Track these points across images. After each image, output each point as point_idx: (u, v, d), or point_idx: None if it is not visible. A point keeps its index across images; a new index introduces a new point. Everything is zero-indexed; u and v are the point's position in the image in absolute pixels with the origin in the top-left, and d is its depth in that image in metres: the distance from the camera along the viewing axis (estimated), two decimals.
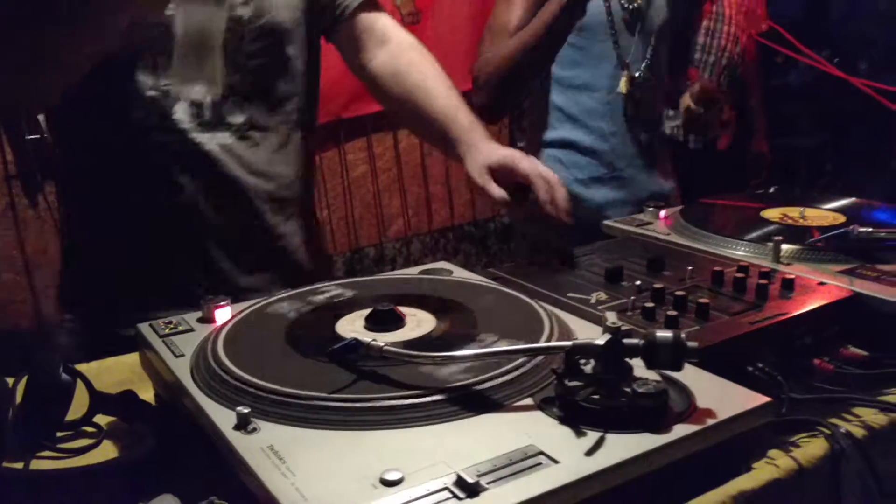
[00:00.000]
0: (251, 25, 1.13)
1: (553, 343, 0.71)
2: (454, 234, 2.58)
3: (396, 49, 1.29)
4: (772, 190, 1.36)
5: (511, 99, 1.53)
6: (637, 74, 1.60)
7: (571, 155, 1.63)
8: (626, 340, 0.65)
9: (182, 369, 0.73)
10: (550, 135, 1.65)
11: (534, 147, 1.67)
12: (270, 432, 0.62)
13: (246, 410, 0.63)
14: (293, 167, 1.24)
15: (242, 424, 0.62)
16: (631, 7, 1.57)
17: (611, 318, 0.67)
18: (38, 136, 1.77)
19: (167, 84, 1.08)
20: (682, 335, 0.65)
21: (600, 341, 0.64)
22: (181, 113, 1.10)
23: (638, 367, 0.65)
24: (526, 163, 1.09)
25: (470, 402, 0.65)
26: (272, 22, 1.15)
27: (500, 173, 1.10)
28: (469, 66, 2.45)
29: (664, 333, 0.65)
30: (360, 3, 1.27)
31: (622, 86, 1.61)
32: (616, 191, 1.66)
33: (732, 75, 2.38)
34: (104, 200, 1.15)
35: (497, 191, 1.09)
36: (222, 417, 0.64)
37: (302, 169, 1.26)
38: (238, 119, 1.15)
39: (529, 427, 0.62)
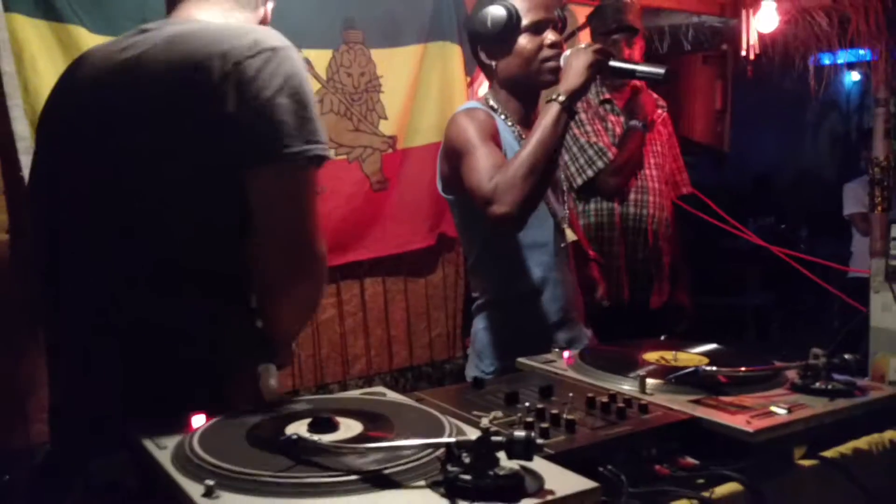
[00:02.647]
0: None
1: (438, 440, 0.95)
2: (413, 373, 2.83)
3: None
4: (662, 338, 1.64)
5: (538, 197, 1.66)
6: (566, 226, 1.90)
7: (535, 305, 1.86)
8: (493, 438, 0.90)
9: (164, 457, 0.97)
10: (508, 291, 1.87)
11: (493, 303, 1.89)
12: (229, 500, 0.85)
13: (211, 482, 0.86)
14: None
15: (208, 493, 0.85)
16: None
17: (484, 422, 0.93)
18: None
19: None
20: (532, 435, 0.90)
21: (473, 437, 0.90)
22: None
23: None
24: None
25: (378, 481, 0.89)
26: None
27: None
28: (428, 226, 2.81)
29: (520, 433, 0.90)
30: None
31: (570, 236, 1.90)
32: (572, 331, 1.91)
33: (664, 237, 2.73)
34: None
35: None
36: (193, 489, 0.87)
37: None
38: None
39: (418, 500, 0.86)
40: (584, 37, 3.27)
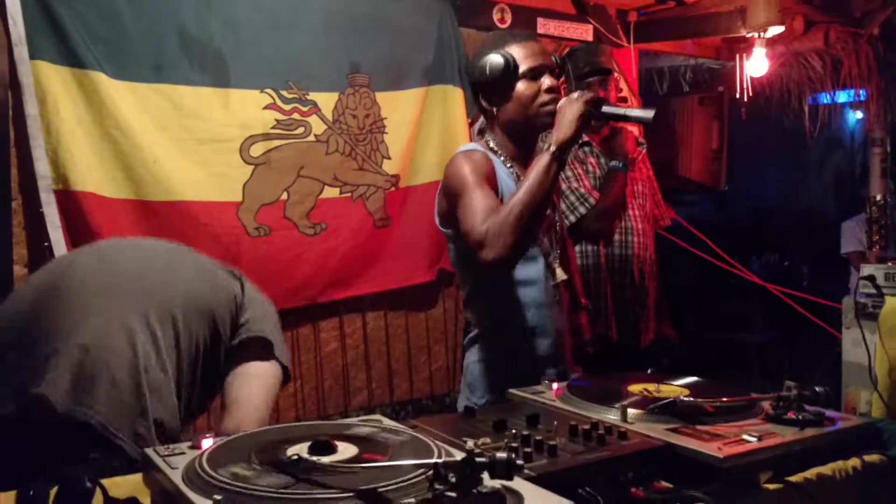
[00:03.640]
0: None
1: (427, 460, 1.03)
2: (413, 406, 2.90)
3: None
4: (649, 371, 1.72)
5: (528, 242, 1.75)
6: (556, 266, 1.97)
7: (526, 340, 1.93)
8: (477, 459, 0.98)
9: (176, 476, 1.05)
10: (499, 325, 1.94)
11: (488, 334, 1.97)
12: None
13: (219, 497, 0.94)
14: None
15: None
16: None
17: (469, 444, 1.01)
18: None
19: None
20: (513, 456, 0.98)
21: (459, 458, 0.98)
22: None
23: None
24: None
25: (371, 498, 0.97)
26: None
27: None
28: (428, 262, 2.90)
29: (502, 454, 0.98)
30: None
31: (560, 274, 1.98)
32: (560, 366, 1.98)
33: (650, 276, 2.81)
34: None
35: None
36: (203, 502, 0.96)
37: None
38: None
39: None
40: None
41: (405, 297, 2.91)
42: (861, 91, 4.53)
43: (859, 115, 7.91)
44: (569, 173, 2.70)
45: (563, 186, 2.67)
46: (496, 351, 1.94)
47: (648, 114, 1.78)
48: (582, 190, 2.67)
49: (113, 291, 1.56)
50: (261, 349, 1.66)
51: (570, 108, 1.74)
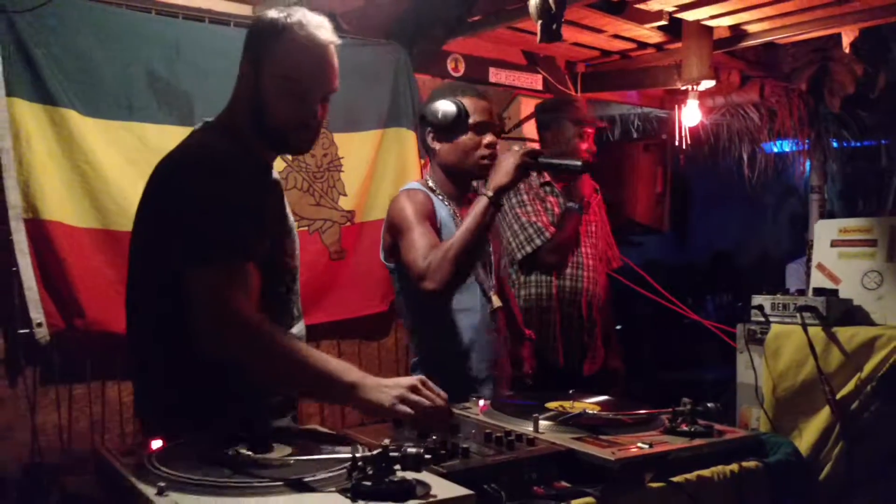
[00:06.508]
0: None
1: (346, 455, 1.18)
2: None
3: None
4: (571, 391, 1.88)
5: (464, 275, 1.92)
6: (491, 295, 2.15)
7: (464, 363, 2.10)
8: (390, 453, 1.13)
9: (127, 471, 1.19)
10: (439, 350, 2.12)
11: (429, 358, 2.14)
12: (177, 497, 1.07)
13: (163, 484, 1.09)
14: None
15: (160, 492, 1.08)
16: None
17: (385, 441, 1.16)
18: (28, 330, 2.26)
19: None
20: (421, 451, 1.14)
21: (374, 452, 1.13)
22: None
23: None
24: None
25: (297, 487, 1.12)
26: None
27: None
28: (381, 293, 3.04)
29: (411, 449, 1.14)
30: None
31: (496, 302, 2.15)
32: (496, 389, 2.14)
33: (598, 309, 3.00)
34: None
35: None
36: (149, 490, 1.10)
37: None
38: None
39: (329, 500, 1.09)
40: (528, 128, 3.62)
41: (358, 326, 3.06)
42: (799, 140, 4.84)
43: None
44: (529, 208, 2.90)
45: (523, 219, 2.87)
46: (436, 374, 2.08)
47: (577, 163, 2.05)
48: (539, 224, 2.87)
49: None
50: None
51: (507, 160, 1.93)
